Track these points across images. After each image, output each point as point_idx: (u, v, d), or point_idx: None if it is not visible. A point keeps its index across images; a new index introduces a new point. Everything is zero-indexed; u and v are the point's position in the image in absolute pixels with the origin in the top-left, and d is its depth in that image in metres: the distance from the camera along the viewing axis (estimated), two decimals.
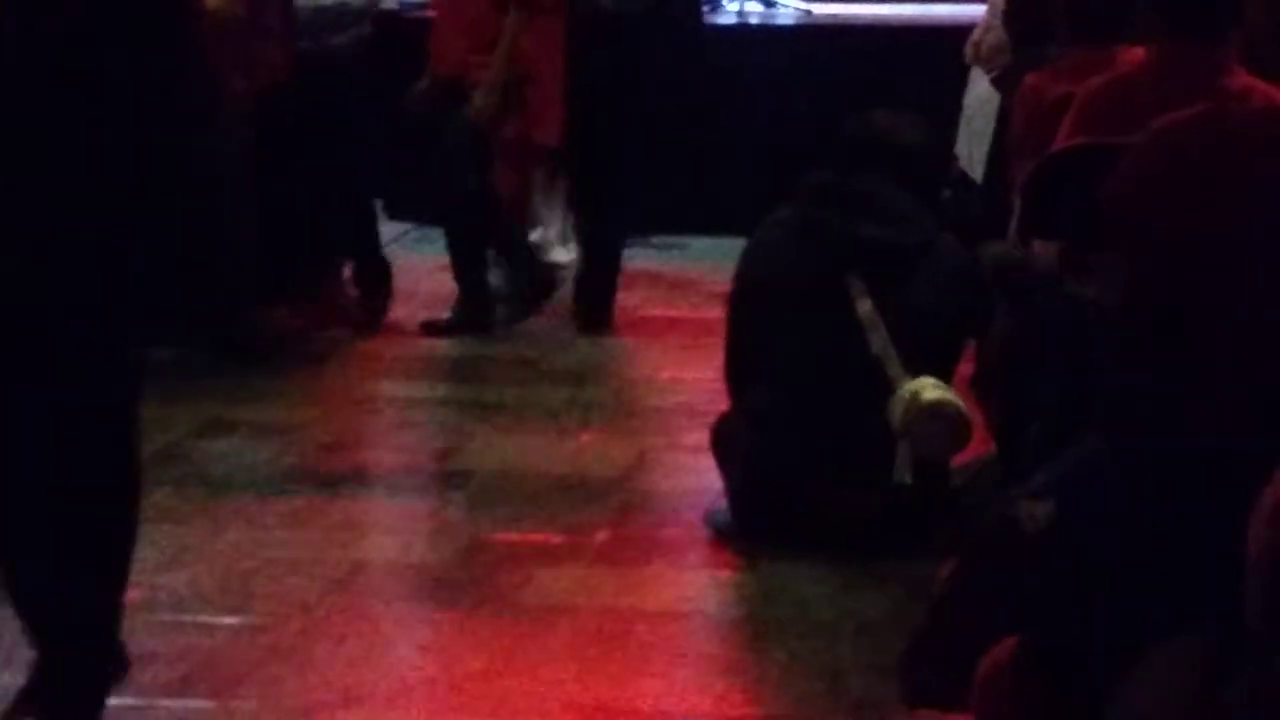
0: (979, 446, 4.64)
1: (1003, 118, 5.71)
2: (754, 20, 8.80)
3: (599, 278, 6.85)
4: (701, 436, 4.96)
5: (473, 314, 6.60)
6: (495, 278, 6.81)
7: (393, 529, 4.97)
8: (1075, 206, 2.87)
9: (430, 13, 7.24)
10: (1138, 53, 4.66)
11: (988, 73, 6.37)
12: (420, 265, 7.19)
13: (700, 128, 7.88)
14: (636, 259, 7.32)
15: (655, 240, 7.76)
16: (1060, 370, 3.73)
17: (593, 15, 6.45)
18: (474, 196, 6.54)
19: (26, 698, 3.35)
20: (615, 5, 6.41)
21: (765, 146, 7.71)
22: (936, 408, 4.48)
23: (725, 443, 4.78)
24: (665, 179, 7.53)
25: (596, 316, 6.75)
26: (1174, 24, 4.22)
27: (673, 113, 6.83)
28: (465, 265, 6.64)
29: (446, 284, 6.76)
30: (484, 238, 6.69)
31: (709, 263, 6.92)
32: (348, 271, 6.76)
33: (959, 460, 4.71)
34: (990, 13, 6.53)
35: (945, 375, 4.66)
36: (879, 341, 4.61)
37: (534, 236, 7.28)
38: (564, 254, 7.35)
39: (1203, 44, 4.15)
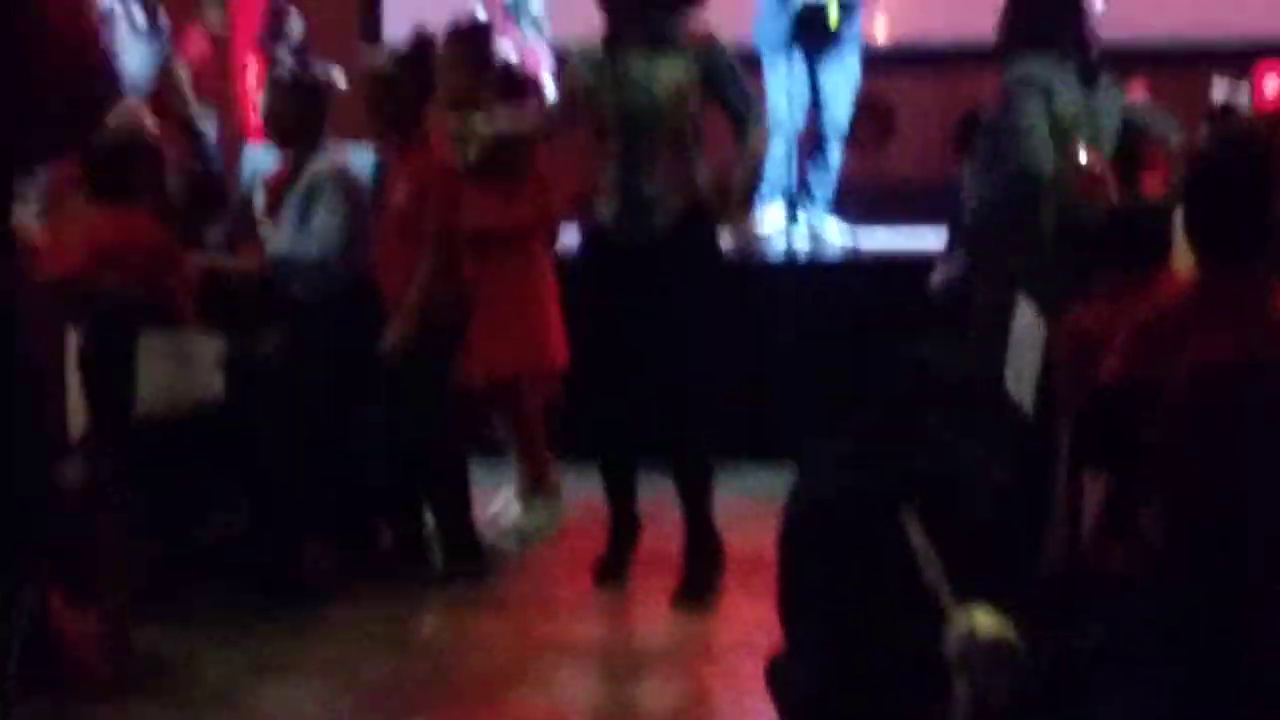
0: None
1: (1050, 349, 5.72)
2: (801, 255, 8.92)
3: (698, 545, 6.24)
4: (758, 672, 4.90)
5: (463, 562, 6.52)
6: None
7: None
8: (1122, 445, 2.87)
9: None
10: (1182, 277, 4.68)
11: (1034, 302, 6.39)
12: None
13: (749, 356, 7.93)
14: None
15: None
16: None
17: (602, 245, 6.24)
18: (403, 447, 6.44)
19: None
20: (621, 234, 6.12)
21: (812, 374, 7.76)
22: (994, 648, 4.43)
23: (780, 681, 4.73)
24: (713, 407, 7.57)
25: (698, 594, 6.18)
26: (1211, 247, 4.23)
27: (707, 340, 6.68)
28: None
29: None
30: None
31: (759, 490, 6.88)
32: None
33: None
34: None
35: (1002, 600, 4.61)
36: (933, 573, 4.57)
37: (496, 506, 7.15)
38: (523, 518, 7.12)
39: (1240, 266, 4.16)
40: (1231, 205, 4.06)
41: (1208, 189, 4.13)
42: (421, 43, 6.70)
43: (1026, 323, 6.29)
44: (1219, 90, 8.81)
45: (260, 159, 8.32)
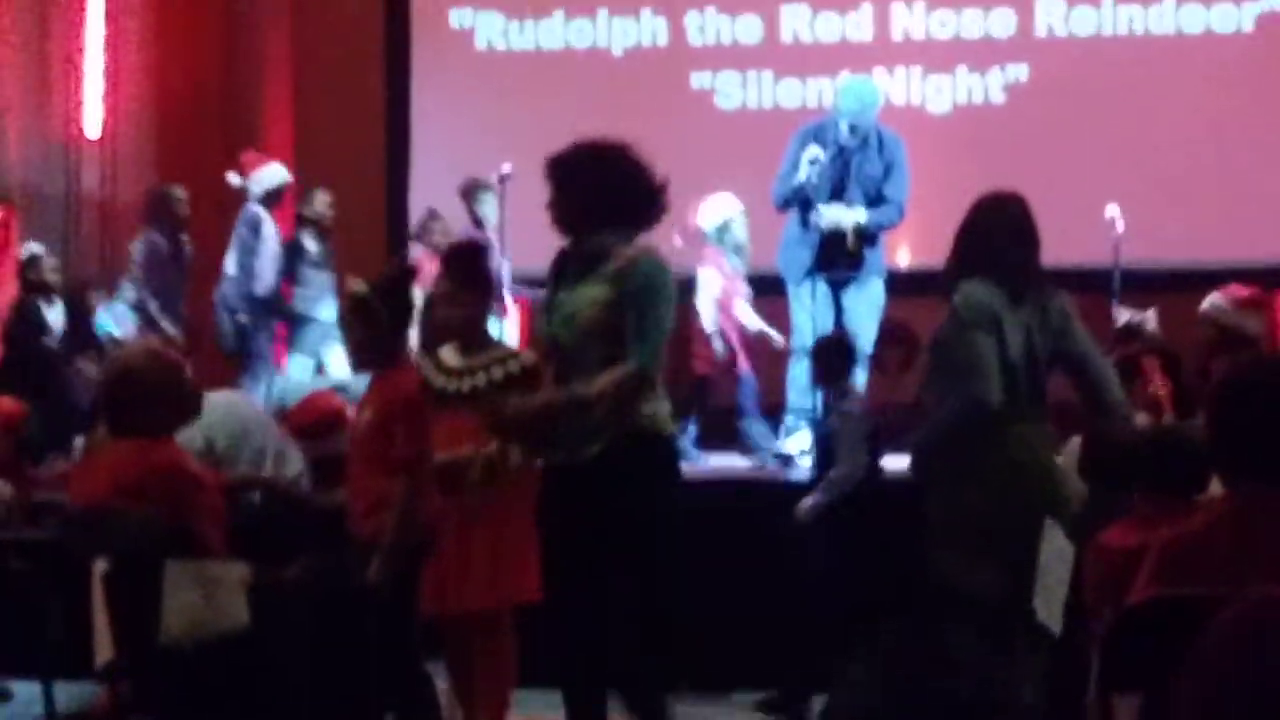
0: None
1: (1079, 569, 5.68)
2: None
3: None
4: None
5: None
6: None
7: None
8: (1152, 668, 2.84)
9: None
10: (1215, 500, 4.65)
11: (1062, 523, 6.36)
12: None
13: (749, 582, 7.91)
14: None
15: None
16: None
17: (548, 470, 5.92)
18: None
19: None
20: (560, 459, 5.78)
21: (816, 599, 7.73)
22: None
23: None
24: (710, 636, 7.54)
25: None
26: (1246, 469, 4.21)
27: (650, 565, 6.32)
28: None
29: None
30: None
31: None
32: None
33: None
34: (1065, 461, 6.55)
35: None
36: None
37: None
38: None
39: (1274, 490, 4.13)
40: (1261, 428, 4.05)
41: (1235, 412, 4.11)
42: (401, 272, 6.68)
43: (1055, 544, 6.26)
44: (1122, 316, 8.96)
45: None
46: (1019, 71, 12.62)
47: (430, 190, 12.48)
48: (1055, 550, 6.23)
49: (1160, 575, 4.07)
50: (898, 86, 12.64)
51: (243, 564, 5.93)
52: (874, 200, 9.44)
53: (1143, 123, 12.35)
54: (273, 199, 11.37)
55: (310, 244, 11.47)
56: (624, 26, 13.15)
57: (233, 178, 11.36)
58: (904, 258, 11.70)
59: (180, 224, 11.28)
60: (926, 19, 12.79)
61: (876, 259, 9.58)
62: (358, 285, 6.41)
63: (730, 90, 12.98)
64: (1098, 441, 6.21)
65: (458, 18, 13.33)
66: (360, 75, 13.43)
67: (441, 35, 13.36)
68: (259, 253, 11.08)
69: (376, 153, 13.27)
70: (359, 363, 6.86)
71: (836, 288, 9.49)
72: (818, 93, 12.59)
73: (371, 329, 6.33)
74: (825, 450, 8.05)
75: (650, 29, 13.11)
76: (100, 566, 5.69)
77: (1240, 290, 7.96)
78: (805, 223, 9.44)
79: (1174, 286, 10.37)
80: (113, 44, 12.91)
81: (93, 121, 12.85)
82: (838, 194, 9.41)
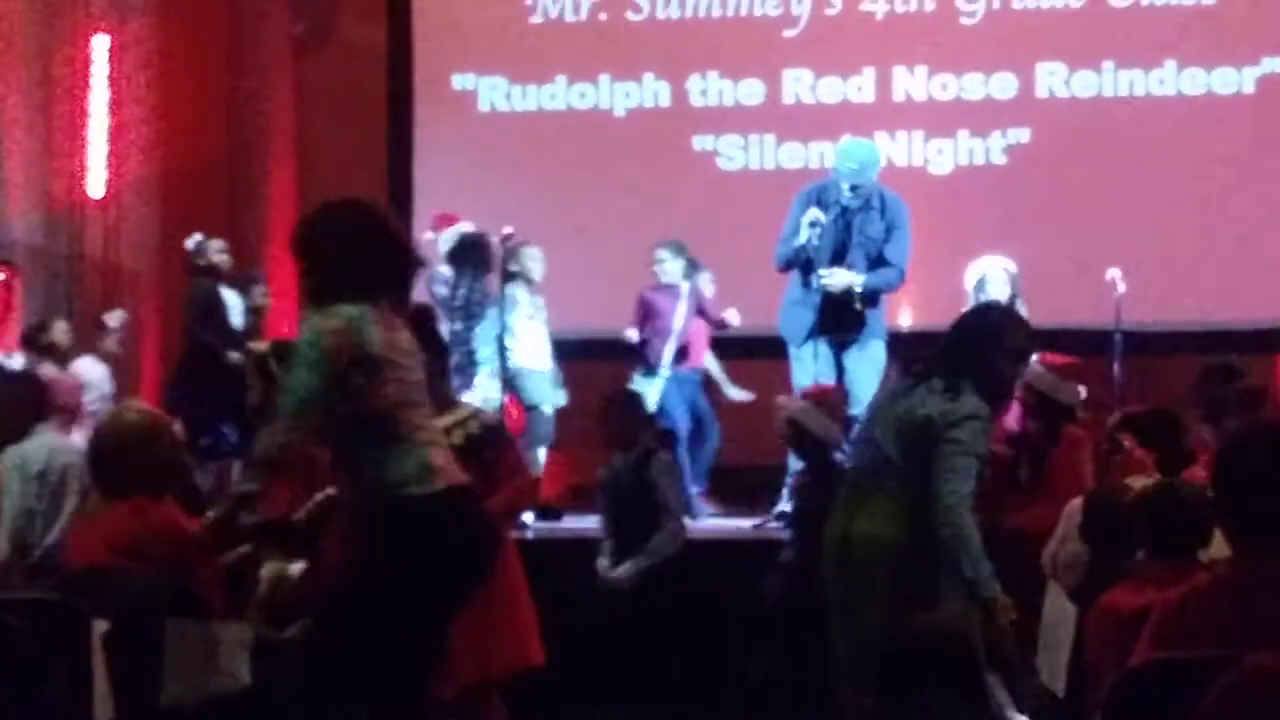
0: None
1: (1081, 630, 5.67)
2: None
3: None
4: None
5: None
6: None
7: None
8: None
9: None
10: (1218, 563, 4.64)
11: (1064, 585, 6.35)
12: None
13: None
14: None
15: None
16: None
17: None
18: None
19: None
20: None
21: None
22: None
23: None
24: None
25: None
26: (1249, 534, 4.20)
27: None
28: None
29: None
30: None
31: None
32: None
33: None
34: (1066, 524, 6.55)
35: None
36: None
37: None
38: None
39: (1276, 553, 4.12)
40: (1265, 490, 4.04)
41: (1239, 474, 4.10)
42: None
43: (1057, 605, 6.26)
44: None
45: None
46: (1020, 134, 12.67)
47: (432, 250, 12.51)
48: (1056, 609, 6.23)
49: (1162, 637, 4.06)
50: (899, 148, 12.68)
51: (244, 624, 5.92)
52: (875, 262, 9.46)
53: (1144, 184, 12.38)
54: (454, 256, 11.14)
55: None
56: (626, 89, 13.20)
57: (428, 235, 11.25)
58: (905, 318, 11.72)
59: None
60: (928, 82, 12.84)
61: (877, 320, 9.59)
62: (259, 345, 6.42)
63: (732, 152, 13.02)
64: (1098, 504, 6.21)
65: (460, 81, 13.38)
66: (363, 138, 13.47)
67: (444, 98, 13.41)
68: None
69: None
70: (258, 421, 6.71)
71: (838, 349, 9.50)
72: (820, 154, 12.63)
73: (270, 389, 6.28)
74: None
75: (653, 91, 13.16)
76: (100, 626, 5.67)
77: (1057, 359, 8.26)
78: (807, 284, 9.46)
79: (1175, 348, 10.40)
80: (117, 106, 12.95)
81: (96, 183, 12.89)
82: (839, 256, 9.43)
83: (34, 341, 10.95)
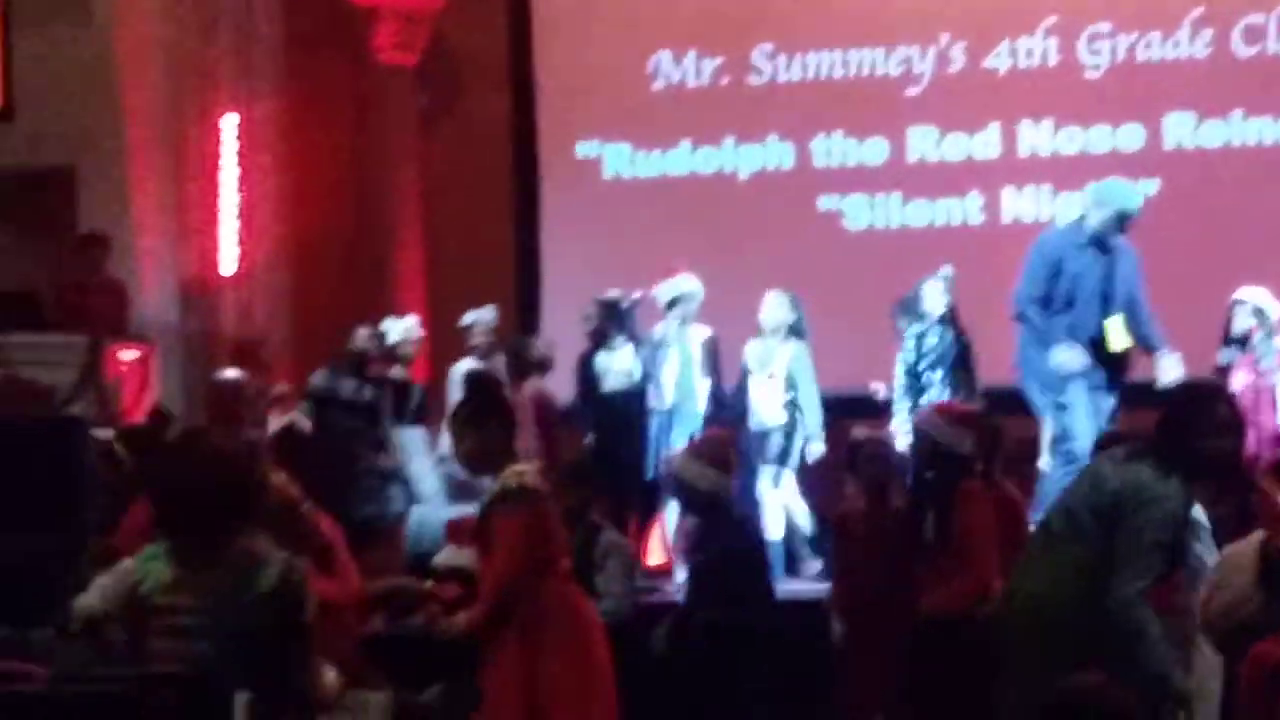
0: None
1: (1230, 683, 5.56)
2: None
3: None
4: None
5: None
6: None
7: None
8: None
9: None
10: None
11: (1213, 636, 6.16)
12: None
13: None
14: None
15: None
16: None
17: None
18: None
19: None
20: None
21: None
22: None
23: None
24: None
25: None
26: None
27: None
28: None
29: None
30: None
31: None
32: None
33: None
34: (1221, 570, 6.20)
35: None
36: None
37: None
38: None
39: None
40: None
41: None
42: (154, 422, 6.58)
43: (1205, 657, 6.15)
44: (859, 431, 8.97)
45: None
46: (1149, 185, 12.54)
47: (560, 316, 12.55)
48: (1204, 661, 6.12)
49: None
50: (1026, 203, 12.61)
51: (386, 691, 5.93)
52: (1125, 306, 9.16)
53: (1276, 232, 12.21)
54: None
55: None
56: (750, 153, 13.22)
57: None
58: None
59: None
60: (1054, 136, 12.77)
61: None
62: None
63: (857, 212, 12.99)
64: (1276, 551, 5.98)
65: (584, 149, 13.46)
66: (489, 207, 13.58)
67: (568, 165, 13.49)
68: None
69: (506, 281, 13.37)
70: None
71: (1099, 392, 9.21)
72: (946, 211, 12.57)
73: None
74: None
75: (776, 154, 13.17)
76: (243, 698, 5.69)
77: (954, 407, 8.23)
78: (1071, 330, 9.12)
79: None
80: (246, 183, 13.12)
81: (228, 260, 13.05)
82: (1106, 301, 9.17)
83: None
